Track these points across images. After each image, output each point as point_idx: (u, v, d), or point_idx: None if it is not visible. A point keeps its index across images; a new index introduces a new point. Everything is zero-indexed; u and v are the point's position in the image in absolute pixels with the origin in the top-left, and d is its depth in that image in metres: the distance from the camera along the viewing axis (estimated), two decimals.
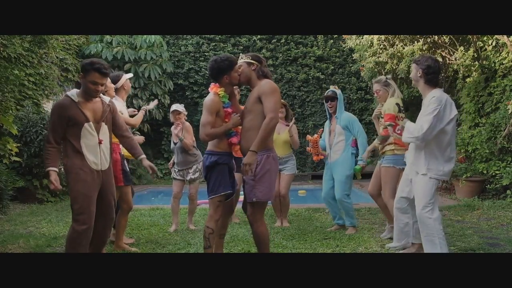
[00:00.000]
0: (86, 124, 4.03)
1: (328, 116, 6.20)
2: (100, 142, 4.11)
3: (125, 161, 5.30)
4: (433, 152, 4.33)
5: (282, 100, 6.09)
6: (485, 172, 8.46)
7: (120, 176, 5.08)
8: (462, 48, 9.22)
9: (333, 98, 6.01)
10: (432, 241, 4.29)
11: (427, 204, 4.30)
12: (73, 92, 4.09)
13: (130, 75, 5.71)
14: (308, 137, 6.32)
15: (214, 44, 14.59)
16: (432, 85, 4.41)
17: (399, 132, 4.95)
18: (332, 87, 6.16)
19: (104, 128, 4.21)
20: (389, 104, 5.37)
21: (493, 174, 8.27)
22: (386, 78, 5.63)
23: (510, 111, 7.98)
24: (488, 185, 8.46)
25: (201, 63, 14.49)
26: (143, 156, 4.44)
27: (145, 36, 12.63)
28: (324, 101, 6.16)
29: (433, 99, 4.23)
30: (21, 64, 8.78)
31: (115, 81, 5.31)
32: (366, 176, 7.45)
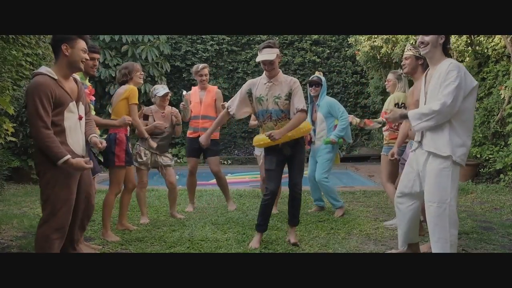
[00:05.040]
0: (70, 104, 3.51)
1: (309, 101, 6.24)
2: (80, 118, 3.62)
3: (129, 143, 5.12)
4: (456, 131, 3.58)
5: None
6: (478, 156, 8.53)
7: (123, 156, 4.94)
8: None
9: (317, 83, 6.08)
10: (444, 247, 3.57)
11: (443, 199, 3.55)
12: (47, 70, 3.46)
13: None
14: None
15: None
16: (447, 54, 3.76)
17: (395, 127, 5.26)
18: (317, 73, 6.22)
19: (82, 107, 3.71)
20: (389, 100, 5.52)
21: (487, 158, 8.34)
22: (402, 74, 5.70)
23: (502, 96, 8.05)
24: (482, 169, 8.54)
25: (198, 45, 14.45)
26: (94, 134, 3.93)
27: None
28: (308, 86, 6.17)
29: (451, 65, 3.56)
30: (19, 45, 8.71)
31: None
32: (360, 159, 7.55)
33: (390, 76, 5.74)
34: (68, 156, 3.35)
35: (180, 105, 6.15)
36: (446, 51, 3.77)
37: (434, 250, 3.66)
